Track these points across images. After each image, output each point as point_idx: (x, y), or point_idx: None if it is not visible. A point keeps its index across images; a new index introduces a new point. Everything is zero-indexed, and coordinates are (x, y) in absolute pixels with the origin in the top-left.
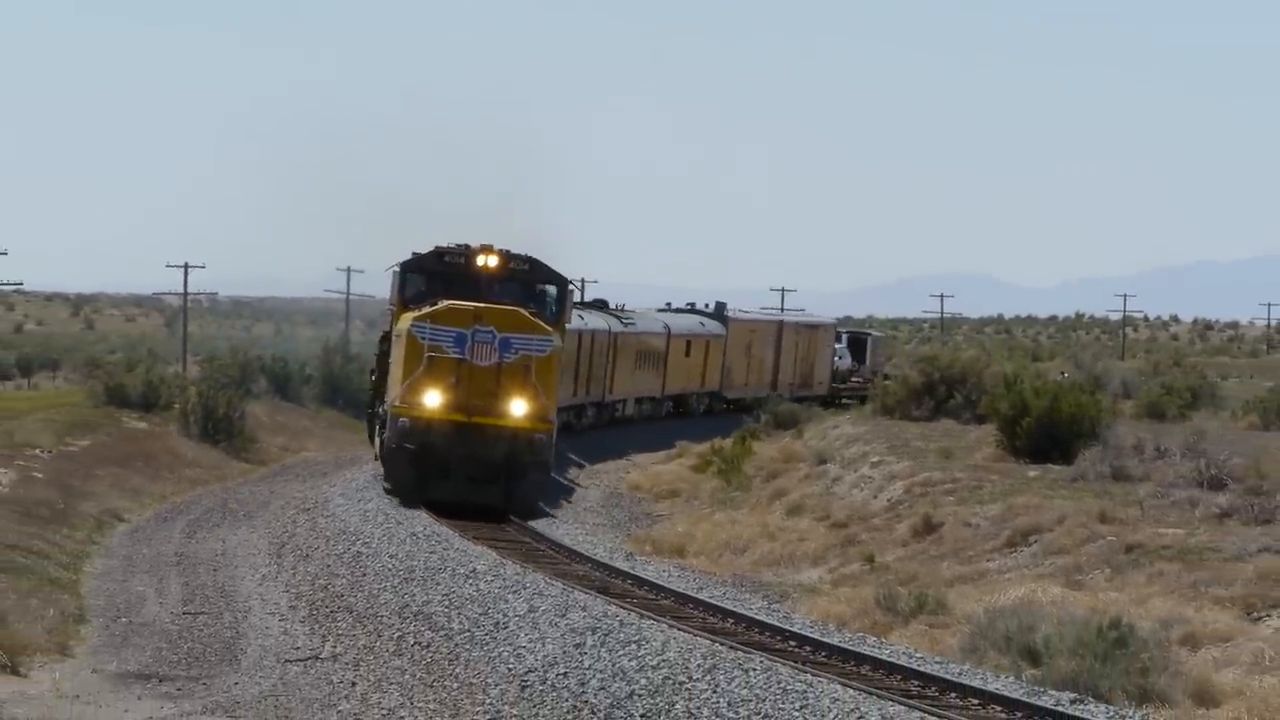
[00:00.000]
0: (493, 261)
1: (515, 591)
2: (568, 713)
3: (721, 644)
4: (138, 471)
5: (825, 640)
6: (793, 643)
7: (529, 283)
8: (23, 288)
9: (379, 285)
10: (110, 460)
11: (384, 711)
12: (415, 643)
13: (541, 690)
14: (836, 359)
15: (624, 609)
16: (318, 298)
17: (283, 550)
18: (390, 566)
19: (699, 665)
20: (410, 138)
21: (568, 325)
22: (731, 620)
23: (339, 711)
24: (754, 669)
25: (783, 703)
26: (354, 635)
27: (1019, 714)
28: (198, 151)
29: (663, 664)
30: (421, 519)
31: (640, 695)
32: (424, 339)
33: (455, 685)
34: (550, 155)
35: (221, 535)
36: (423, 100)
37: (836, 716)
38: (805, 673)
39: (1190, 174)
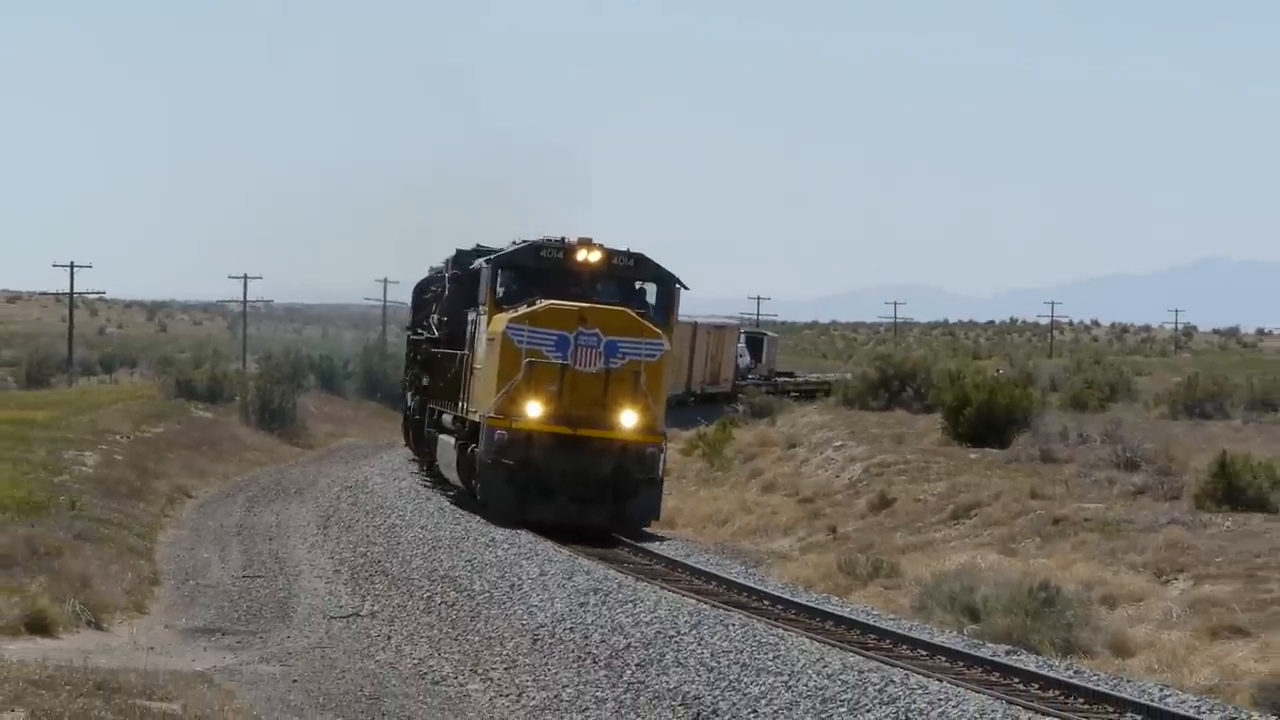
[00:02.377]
0: (594, 256)
1: (529, 558)
2: (573, 662)
3: (706, 603)
4: (203, 454)
5: (795, 600)
6: (767, 602)
7: (633, 280)
8: (105, 295)
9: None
10: (180, 445)
11: (415, 661)
12: (442, 602)
13: (550, 643)
14: (739, 357)
15: (621, 573)
16: (359, 304)
17: (328, 522)
18: (420, 536)
19: (686, 621)
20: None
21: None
22: (714, 583)
23: (376, 661)
24: (733, 624)
25: (758, 653)
26: (389, 595)
27: (960, 663)
28: (254, 171)
29: (655, 620)
30: (439, 500)
31: (635, 647)
32: (522, 342)
33: (477, 638)
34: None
35: (276, 509)
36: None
37: (804, 665)
38: (777, 627)
39: (1107, 197)
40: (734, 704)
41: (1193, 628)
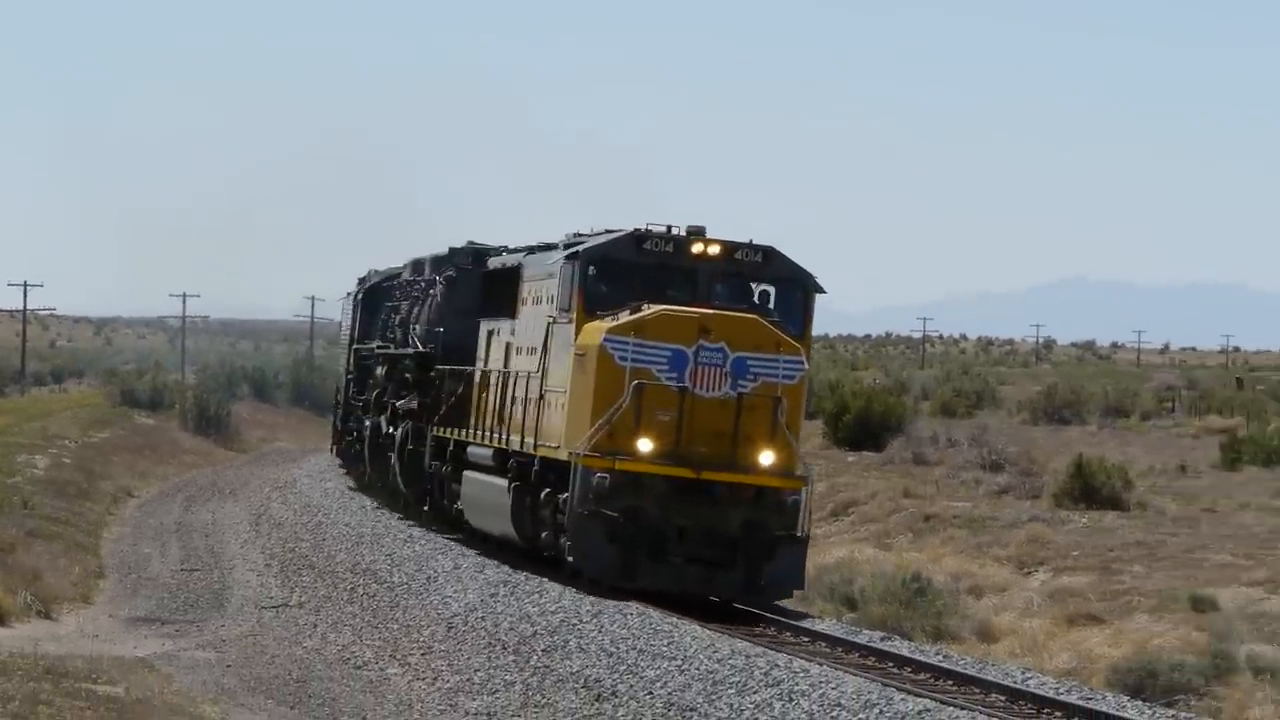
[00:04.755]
0: (714, 250)
1: (443, 553)
2: (484, 648)
3: (608, 603)
4: (145, 458)
5: None
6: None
7: (760, 281)
8: (55, 312)
9: (339, 310)
10: (124, 449)
11: (339, 647)
12: (364, 593)
13: (464, 630)
14: None
15: (529, 568)
16: (288, 320)
17: (260, 520)
18: (344, 533)
19: (588, 611)
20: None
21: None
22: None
23: (304, 647)
24: (631, 614)
25: (654, 640)
26: (315, 587)
27: (839, 649)
28: (201, 192)
29: (559, 610)
30: (362, 500)
31: (541, 634)
32: (625, 359)
33: (396, 627)
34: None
35: (212, 508)
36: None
37: (696, 650)
38: (672, 616)
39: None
40: (632, 686)
41: (1052, 616)
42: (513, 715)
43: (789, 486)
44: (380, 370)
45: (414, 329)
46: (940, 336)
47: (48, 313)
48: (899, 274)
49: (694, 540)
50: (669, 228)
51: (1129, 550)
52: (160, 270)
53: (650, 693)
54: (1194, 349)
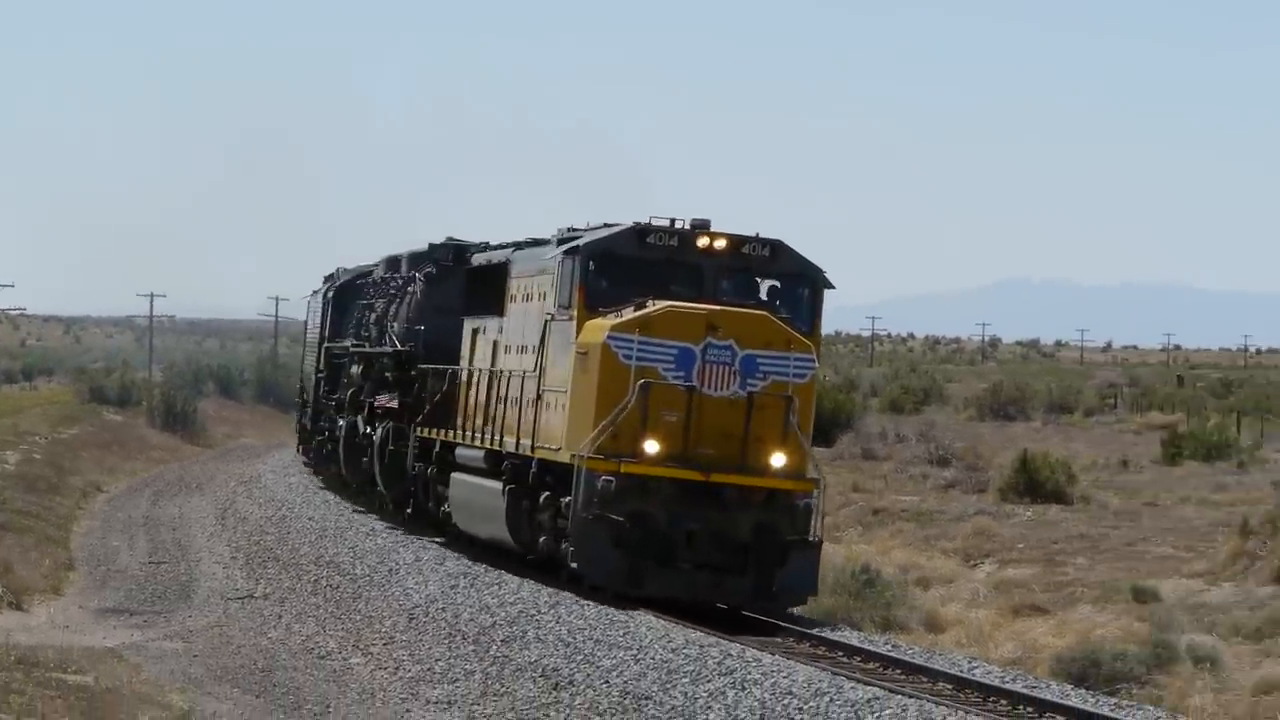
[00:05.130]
0: (720, 244)
1: (404, 546)
2: (445, 638)
3: (566, 594)
4: (114, 453)
5: None
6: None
7: (767, 276)
8: (25, 311)
9: (302, 309)
10: (93, 445)
11: (303, 637)
12: (327, 585)
13: (425, 621)
14: None
15: (489, 561)
16: (253, 319)
17: (225, 514)
18: (308, 526)
19: (546, 602)
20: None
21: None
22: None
23: (269, 638)
24: (588, 605)
25: (610, 630)
26: (280, 579)
27: (790, 639)
28: (168, 189)
29: (518, 601)
30: (325, 495)
31: (501, 625)
32: (630, 358)
33: (358, 617)
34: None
35: (179, 502)
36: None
37: (651, 640)
38: (627, 609)
39: (920, 222)
40: (588, 675)
41: (997, 606)
42: (472, 704)
43: (801, 489)
44: (356, 369)
45: (392, 327)
46: (888, 335)
47: (18, 312)
48: (848, 274)
49: (703, 545)
50: (672, 221)
51: (1072, 543)
52: (127, 271)
53: (606, 681)
54: (1135, 347)
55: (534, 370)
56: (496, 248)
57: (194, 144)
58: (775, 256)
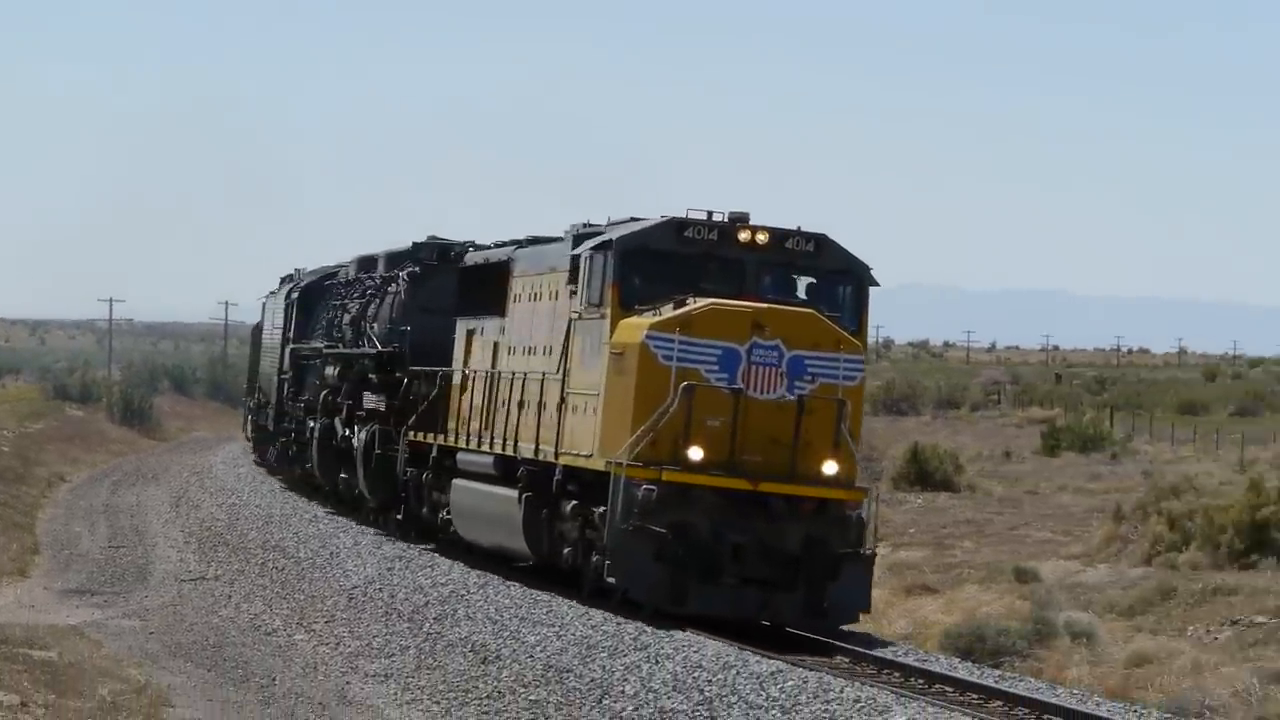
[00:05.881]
0: (762, 238)
1: (345, 531)
2: (382, 616)
3: (492, 572)
4: (76, 446)
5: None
6: (534, 575)
7: (810, 272)
8: None
9: (249, 313)
10: (56, 438)
11: (251, 616)
12: (273, 567)
13: (363, 600)
14: None
15: (423, 544)
16: (205, 322)
17: (179, 502)
18: (256, 513)
19: (475, 584)
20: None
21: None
22: (500, 559)
23: (219, 616)
24: (514, 586)
25: (534, 609)
26: (230, 562)
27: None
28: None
29: (449, 582)
30: (271, 483)
31: (433, 604)
32: (670, 358)
33: (302, 597)
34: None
35: (136, 491)
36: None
37: (572, 619)
38: (549, 592)
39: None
40: (514, 650)
41: (891, 586)
42: (408, 676)
43: (853, 498)
44: (331, 370)
45: (371, 328)
46: None
47: None
48: None
49: (750, 559)
50: (709, 213)
51: (960, 528)
52: (89, 278)
53: (531, 656)
54: (1017, 348)
55: (556, 372)
56: (483, 248)
57: (155, 158)
58: (819, 251)
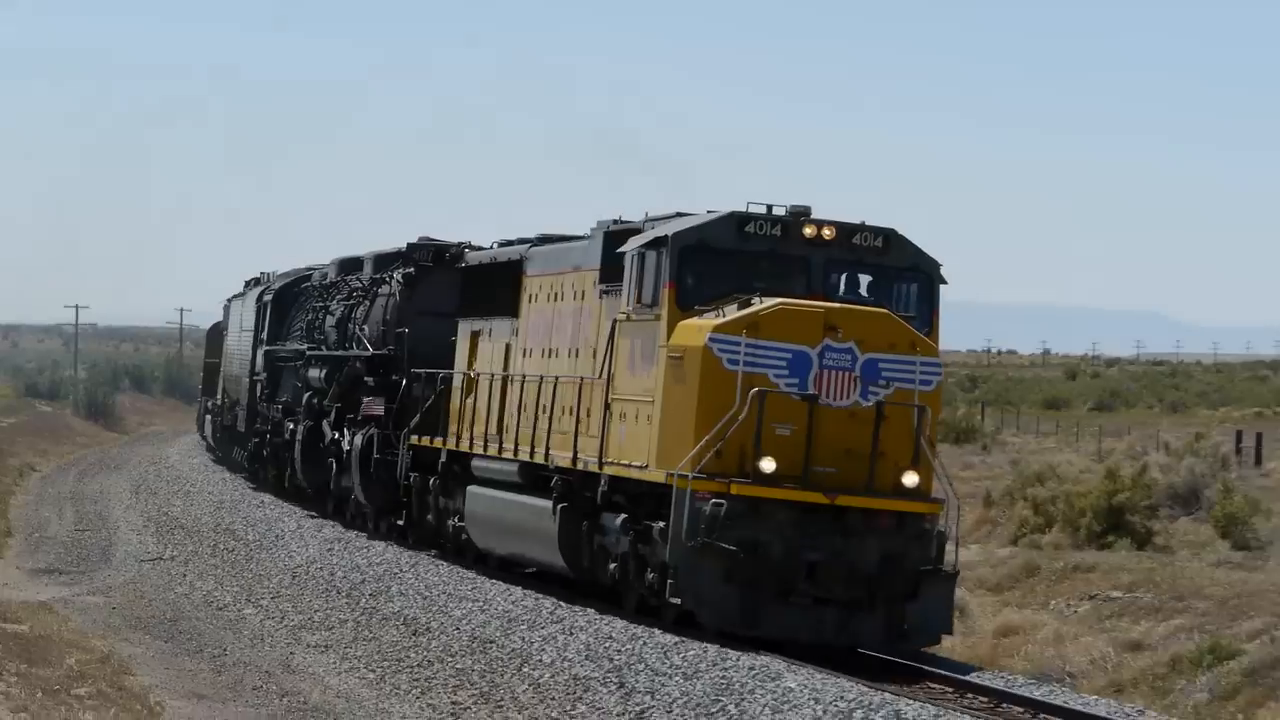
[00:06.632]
0: (828, 233)
1: (289, 516)
2: (323, 592)
3: (423, 554)
4: (45, 439)
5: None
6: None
7: (877, 270)
8: None
9: (203, 318)
10: (27, 432)
11: (204, 592)
12: (224, 548)
13: (306, 578)
14: None
15: (358, 530)
16: (163, 327)
17: (139, 489)
18: (208, 499)
19: (408, 563)
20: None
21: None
22: (432, 548)
23: (175, 593)
24: (442, 566)
25: (460, 586)
26: (185, 543)
27: (610, 602)
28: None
29: (384, 562)
30: (222, 473)
31: (369, 581)
32: (735, 363)
33: (250, 575)
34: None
35: (100, 480)
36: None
37: (495, 595)
38: (474, 572)
39: None
40: (442, 623)
41: None
42: (346, 646)
43: (932, 511)
44: (316, 372)
45: (360, 330)
46: None
47: None
48: None
49: (825, 578)
50: (769, 207)
51: None
52: (56, 285)
53: (457, 628)
54: None
55: (597, 376)
56: (498, 246)
57: (117, 169)
58: (888, 247)
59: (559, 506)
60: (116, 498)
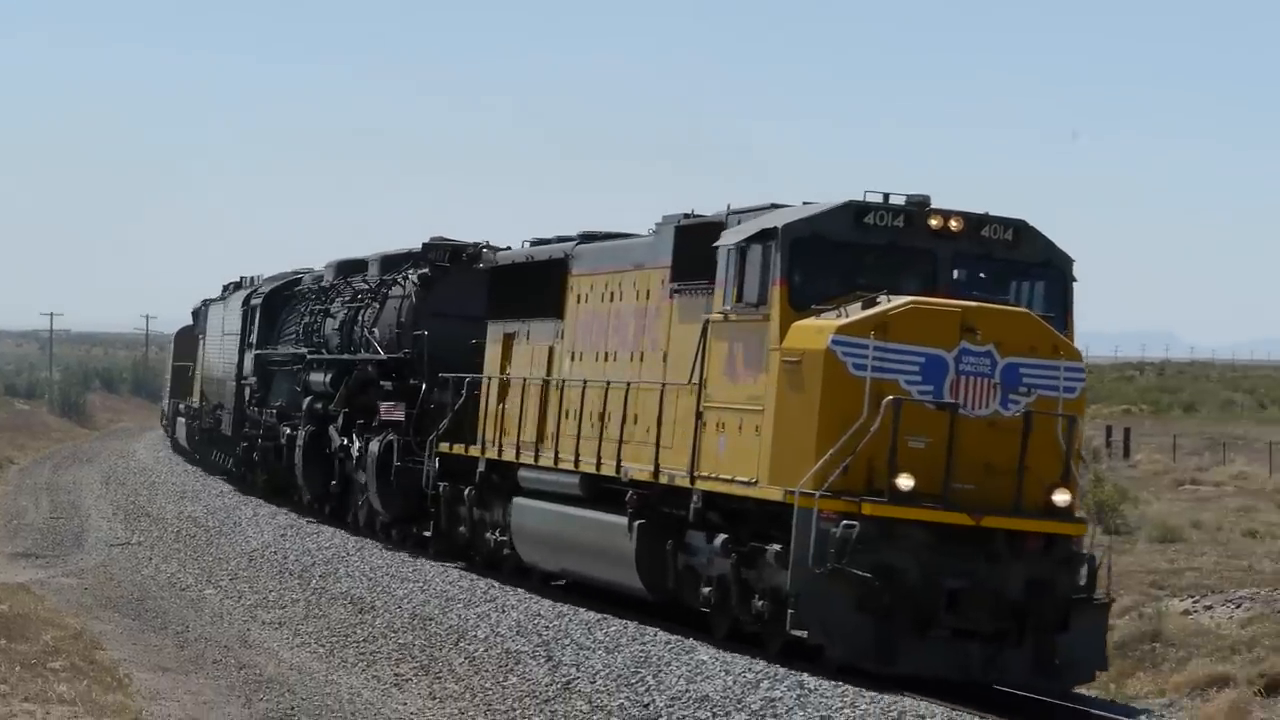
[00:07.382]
0: (955, 225)
1: (246, 504)
2: (277, 574)
3: (368, 541)
4: (22, 434)
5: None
6: (411, 543)
7: (1007, 265)
8: None
9: (167, 324)
10: (5, 428)
11: (169, 575)
12: (187, 534)
13: (261, 561)
14: None
15: (310, 518)
16: (130, 332)
17: (109, 480)
18: (172, 489)
19: (353, 547)
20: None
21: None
22: (376, 529)
23: (142, 575)
24: (387, 552)
25: (402, 568)
26: (151, 530)
27: (548, 583)
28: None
29: (332, 546)
30: (185, 465)
31: (319, 564)
32: (863, 368)
33: (210, 559)
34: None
35: (73, 472)
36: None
37: (434, 576)
38: (421, 559)
39: None
40: (386, 602)
41: None
42: (298, 623)
43: (1080, 533)
44: (320, 376)
45: (369, 333)
46: None
47: None
48: None
49: (968, 607)
50: (886, 196)
51: None
52: (31, 296)
53: (400, 607)
54: None
55: (686, 382)
56: (533, 244)
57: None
58: (1018, 240)
59: (636, 523)
60: (88, 488)
